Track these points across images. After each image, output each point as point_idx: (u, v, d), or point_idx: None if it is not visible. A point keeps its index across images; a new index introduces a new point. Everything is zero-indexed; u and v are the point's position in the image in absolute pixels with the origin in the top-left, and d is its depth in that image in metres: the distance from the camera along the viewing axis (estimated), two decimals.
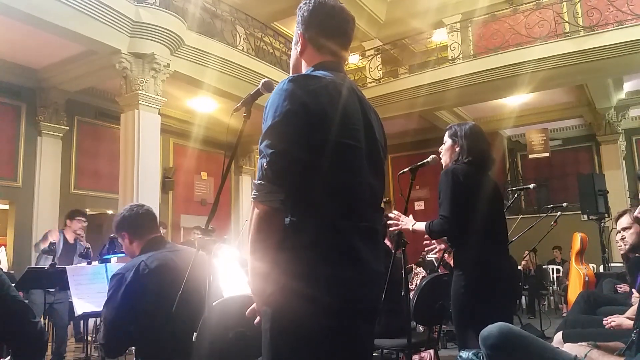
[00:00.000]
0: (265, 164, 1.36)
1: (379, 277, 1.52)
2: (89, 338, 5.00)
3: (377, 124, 1.60)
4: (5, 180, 7.68)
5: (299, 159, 1.36)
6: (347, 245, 1.40)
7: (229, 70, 8.22)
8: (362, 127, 1.52)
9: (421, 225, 2.67)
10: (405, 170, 2.87)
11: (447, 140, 2.78)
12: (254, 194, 1.39)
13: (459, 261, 2.62)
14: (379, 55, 10.96)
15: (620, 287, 4.61)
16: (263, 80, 1.68)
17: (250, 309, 1.50)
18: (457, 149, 2.70)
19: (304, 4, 1.63)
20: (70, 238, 5.76)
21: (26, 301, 3.00)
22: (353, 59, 12.31)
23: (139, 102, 6.98)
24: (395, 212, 2.78)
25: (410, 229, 2.72)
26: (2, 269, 4.14)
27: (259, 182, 1.38)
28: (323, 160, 1.38)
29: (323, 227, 1.38)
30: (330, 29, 1.61)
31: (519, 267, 7.68)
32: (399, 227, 2.73)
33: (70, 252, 5.68)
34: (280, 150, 1.36)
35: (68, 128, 8.40)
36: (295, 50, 1.65)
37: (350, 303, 1.39)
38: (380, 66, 10.91)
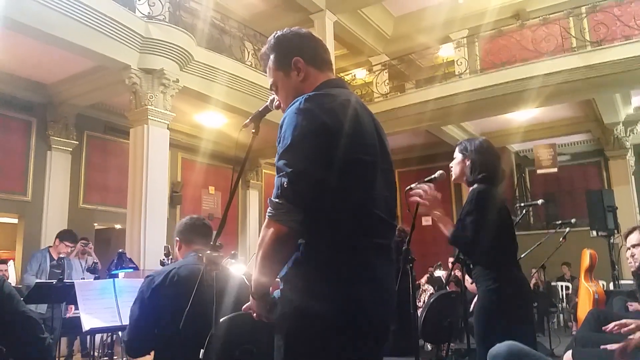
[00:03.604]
0: (285, 183, 1.35)
1: (393, 296, 1.52)
2: (96, 354, 4.99)
3: (384, 136, 1.62)
4: (15, 195, 7.73)
5: (319, 178, 1.35)
6: (363, 263, 1.40)
7: (237, 86, 8.28)
8: (376, 141, 1.53)
9: (445, 227, 2.58)
10: (412, 185, 2.87)
11: (458, 156, 2.79)
12: (270, 212, 1.38)
13: (488, 276, 2.56)
14: (386, 70, 11.01)
15: (632, 305, 4.54)
16: (271, 97, 1.70)
17: (246, 305, 1.53)
18: (468, 163, 2.70)
19: (275, 38, 1.63)
20: (55, 256, 5.79)
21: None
22: (360, 74, 12.38)
23: (148, 117, 7.03)
24: (427, 185, 2.56)
25: (435, 215, 2.59)
26: (11, 283, 4.16)
27: (277, 200, 1.36)
28: (342, 178, 1.38)
29: (340, 245, 1.38)
30: (319, 48, 1.64)
31: None
32: (422, 203, 2.56)
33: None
34: (300, 170, 1.34)
35: (77, 143, 8.47)
36: (288, 81, 1.60)
37: (365, 323, 1.38)
38: (387, 81, 10.96)
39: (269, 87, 1.67)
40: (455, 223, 2.71)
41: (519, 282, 2.56)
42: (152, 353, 2.44)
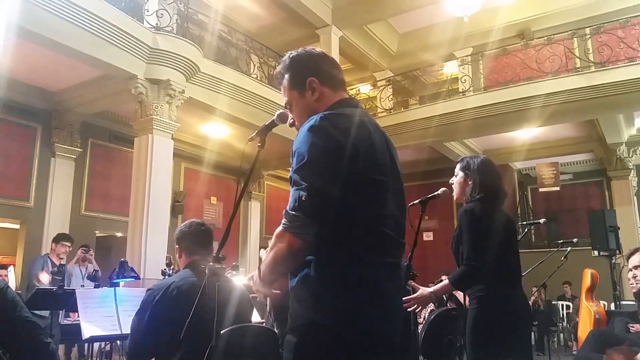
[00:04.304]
0: (304, 197, 1.36)
1: (401, 314, 1.54)
2: None
3: (396, 155, 1.64)
4: (17, 200, 7.76)
5: (334, 195, 1.37)
6: (373, 281, 1.42)
7: (242, 98, 8.33)
8: (388, 162, 1.55)
9: (442, 285, 2.64)
10: (415, 202, 2.88)
11: (459, 173, 2.77)
12: (285, 224, 1.39)
13: (476, 295, 2.56)
14: (390, 86, 11.08)
15: (633, 327, 4.52)
16: (278, 112, 1.71)
17: (249, 275, 1.56)
18: (470, 183, 2.69)
19: (290, 58, 1.65)
20: (57, 261, 5.82)
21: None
22: (364, 89, 12.45)
23: (153, 126, 7.07)
24: (412, 298, 2.66)
25: (432, 296, 2.66)
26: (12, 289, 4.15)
27: (294, 212, 1.38)
28: (353, 196, 1.40)
29: (350, 262, 1.39)
30: (333, 68, 1.66)
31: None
32: (421, 306, 2.67)
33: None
34: (318, 185, 1.36)
35: (82, 150, 8.51)
36: (303, 100, 1.62)
37: (374, 340, 1.40)
38: (391, 96, 11.02)
39: (283, 105, 1.70)
40: (451, 241, 2.71)
41: (508, 300, 2.50)
42: None
